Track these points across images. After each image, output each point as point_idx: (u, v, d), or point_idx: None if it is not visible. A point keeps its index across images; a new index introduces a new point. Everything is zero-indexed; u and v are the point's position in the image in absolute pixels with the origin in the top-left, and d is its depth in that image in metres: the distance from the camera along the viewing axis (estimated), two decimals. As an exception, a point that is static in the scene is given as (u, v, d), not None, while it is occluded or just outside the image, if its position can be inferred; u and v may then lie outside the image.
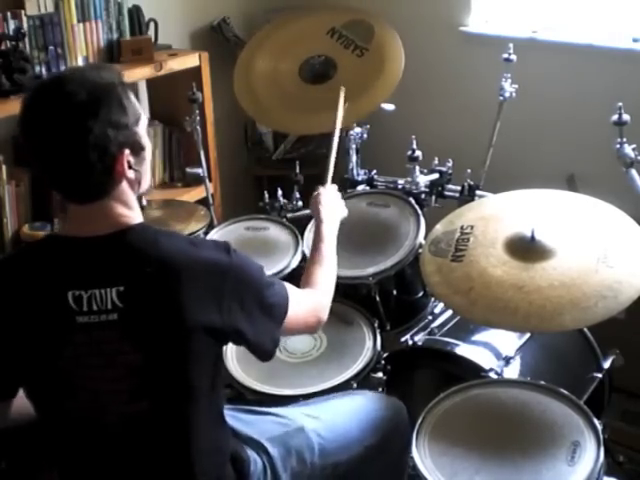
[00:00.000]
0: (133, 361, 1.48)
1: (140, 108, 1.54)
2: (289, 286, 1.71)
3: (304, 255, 2.36)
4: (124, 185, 1.52)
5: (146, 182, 1.59)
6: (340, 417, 1.86)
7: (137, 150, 1.52)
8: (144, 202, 2.52)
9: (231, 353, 2.11)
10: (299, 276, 2.36)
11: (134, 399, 1.50)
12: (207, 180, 2.84)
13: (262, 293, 1.61)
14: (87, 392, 1.51)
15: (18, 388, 1.60)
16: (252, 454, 1.71)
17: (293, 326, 1.70)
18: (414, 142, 2.44)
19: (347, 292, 2.30)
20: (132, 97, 1.52)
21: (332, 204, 2.14)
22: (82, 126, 1.43)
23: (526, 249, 1.92)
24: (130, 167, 1.50)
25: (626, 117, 2.12)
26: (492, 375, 2.03)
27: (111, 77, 1.50)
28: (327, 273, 1.90)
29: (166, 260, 1.49)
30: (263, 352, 1.66)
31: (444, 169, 2.49)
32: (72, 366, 1.50)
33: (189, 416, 1.55)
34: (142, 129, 1.54)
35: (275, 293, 1.65)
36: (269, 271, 2.31)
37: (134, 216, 1.54)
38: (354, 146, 2.64)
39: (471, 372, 2.04)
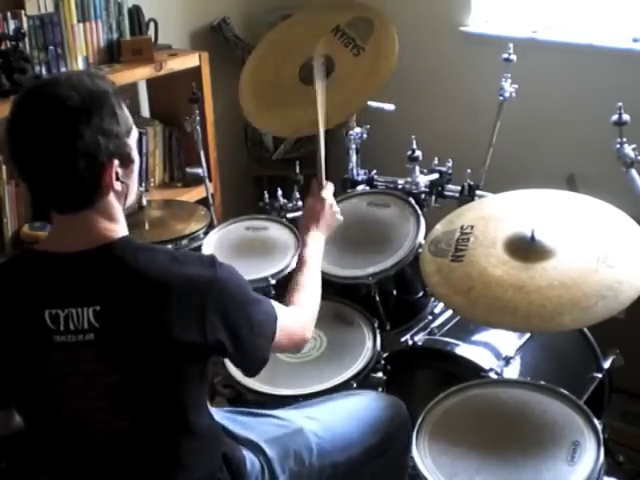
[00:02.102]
0: (111, 382, 1.45)
1: (132, 120, 1.52)
2: (275, 303, 1.68)
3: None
4: (110, 197, 1.48)
5: (132, 196, 1.56)
6: (339, 418, 1.85)
7: (126, 162, 1.49)
8: (144, 202, 2.53)
9: (231, 353, 2.11)
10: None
11: (116, 418, 1.48)
12: (207, 180, 2.84)
13: (248, 309, 1.57)
14: (71, 410, 1.49)
15: (8, 400, 1.58)
16: (249, 455, 1.70)
17: (280, 344, 1.66)
18: (414, 142, 2.44)
19: (347, 292, 2.30)
20: (125, 108, 1.50)
21: (329, 218, 2.09)
22: (73, 131, 1.40)
23: (526, 249, 1.92)
24: (118, 179, 1.47)
25: (626, 117, 2.12)
26: (492, 375, 2.03)
27: (105, 85, 1.47)
28: (311, 291, 1.86)
29: (146, 278, 1.45)
30: (249, 369, 1.64)
31: (444, 169, 2.49)
32: (54, 384, 1.47)
33: (176, 431, 1.53)
34: (133, 141, 1.51)
35: (262, 310, 1.61)
36: (269, 271, 2.31)
37: (118, 229, 1.50)
38: (354, 146, 2.64)
39: (471, 372, 2.04)
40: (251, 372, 1.66)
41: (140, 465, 1.53)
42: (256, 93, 2.64)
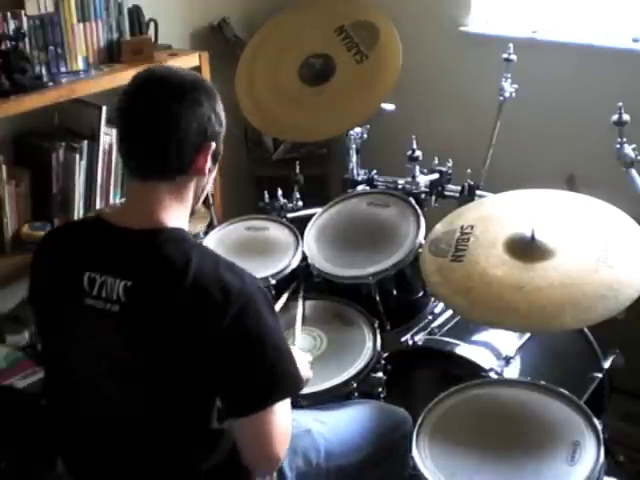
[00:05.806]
0: (122, 357, 1.48)
1: None
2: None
3: (304, 255, 2.36)
4: (192, 183, 1.56)
5: (204, 195, 1.63)
6: (344, 423, 1.86)
7: (216, 153, 1.57)
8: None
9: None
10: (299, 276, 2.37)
11: (123, 395, 1.51)
12: (207, 180, 2.84)
13: (270, 335, 1.50)
14: (84, 373, 1.54)
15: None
16: None
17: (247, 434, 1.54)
18: (414, 142, 2.45)
19: (347, 292, 2.30)
20: None
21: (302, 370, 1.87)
22: (196, 97, 1.51)
23: (526, 249, 1.92)
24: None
25: (626, 117, 2.12)
26: (492, 375, 2.03)
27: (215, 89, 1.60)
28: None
29: (181, 271, 1.45)
30: (238, 403, 1.52)
31: (444, 169, 2.50)
32: (79, 343, 1.53)
33: (181, 420, 1.53)
34: (221, 138, 1.60)
35: (283, 357, 1.53)
36: (269, 271, 2.32)
37: (178, 219, 1.54)
38: (354, 146, 2.65)
39: (471, 372, 2.04)
40: (234, 412, 1.53)
41: (146, 445, 1.54)
42: (252, 89, 2.65)
